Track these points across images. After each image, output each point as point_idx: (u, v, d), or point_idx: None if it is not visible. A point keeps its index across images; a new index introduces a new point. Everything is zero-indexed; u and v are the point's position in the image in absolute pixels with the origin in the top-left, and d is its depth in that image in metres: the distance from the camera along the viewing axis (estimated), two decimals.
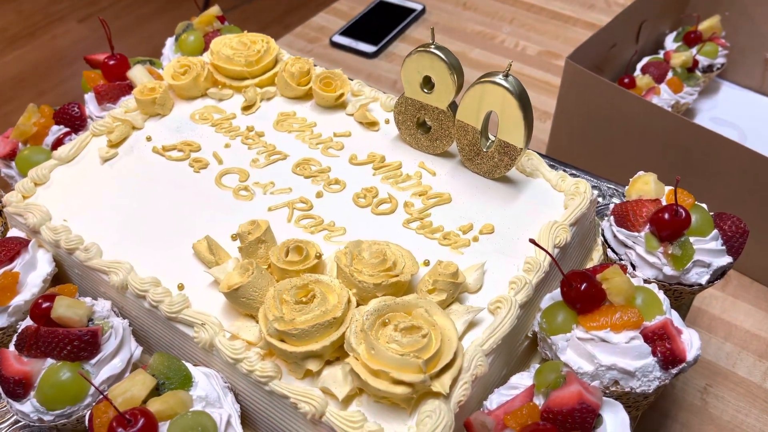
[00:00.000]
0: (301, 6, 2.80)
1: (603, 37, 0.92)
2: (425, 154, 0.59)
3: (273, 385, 0.43)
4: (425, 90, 0.55)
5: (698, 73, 0.97)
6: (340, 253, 0.47)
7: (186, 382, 0.45)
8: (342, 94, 0.62)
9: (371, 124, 0.61)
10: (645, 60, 1.01)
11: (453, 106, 0.55)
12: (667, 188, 0.54)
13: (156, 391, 0.44)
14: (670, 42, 1.04)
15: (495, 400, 0.44)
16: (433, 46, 0.53)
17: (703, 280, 0.51)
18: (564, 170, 0.70)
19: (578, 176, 0.65)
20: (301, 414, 0.42)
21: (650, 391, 0.45)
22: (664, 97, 0.95)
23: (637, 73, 1.00)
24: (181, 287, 0.49)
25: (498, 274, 0.49)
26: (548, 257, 0.49)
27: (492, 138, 0.55)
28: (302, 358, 0.43)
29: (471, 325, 0.46)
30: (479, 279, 0.48)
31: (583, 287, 0.46)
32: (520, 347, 0.50)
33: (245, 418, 0.47)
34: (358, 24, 1.19)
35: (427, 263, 0.50)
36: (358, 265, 0.46)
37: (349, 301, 0.45)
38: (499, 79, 0.50)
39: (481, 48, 1.16)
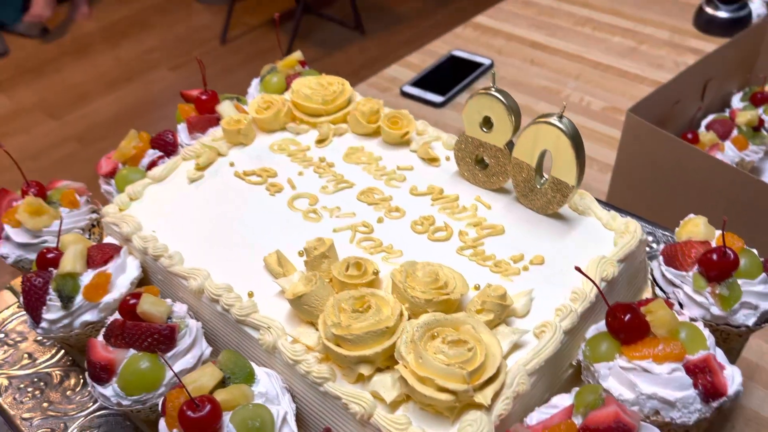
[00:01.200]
0: (377, 60, 2.93)
1: (667, 93, 0.94)
2: (482, 189, 0.63)
3: (327, 387, 0.47)
4: (484, 129, 0.60)
5: (764, 132, 0.98)
6: (396, 271, 0.51)
7: (249, 378, 0.49)
8: (407, 132, 0.67)
9: (432, 160, 0.65)
10: (710, 117, 1.02)
11: (510, 145, 0.59)
12: (717, 232, 0.55)
13: (222, 384, 0.48)
14: (736, 101, 1.05)
15: (535, 417, 0.46)
16: (493, 89, 0.58)
17: (750, 322, 0.51)
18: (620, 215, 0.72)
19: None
20: (351, 414, 0.45)
21: (690, 423, 0.46)
22: (728, 154, 0.96)
23: (702, 129, 1.01)
24: (251, 294, 0.54)
25: (545, 302, 0.52)
26: (594, 289, 0.51)
27: (546, 176, 0.58)
28: (355, 362, 0.47)
29: (516, 346, 0.49)
30: (527, 305, 0.51)
31: (627, 318, 0.48)
32: (564, 374, 0.52)
33: (299, 419, 0.50)
34: (428, 76, 1.26)
35: (477, 287, 0.53)
36: (411, 282, 0.49)
37: (401, 313, 0.48)
38: (553, 120, 0.54)
39: (546, 101, 1.20)
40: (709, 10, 1.33)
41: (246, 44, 3.16)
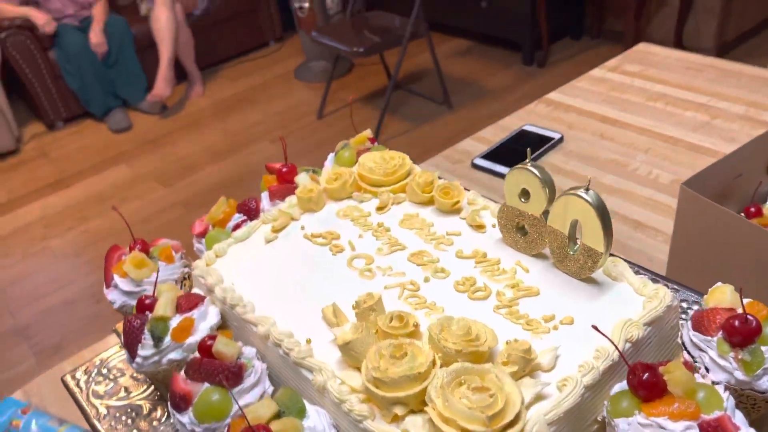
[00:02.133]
0: (462, 133, 3.04)
1: (727, 167, 0.95)
2: (523, 255, 0.68)
3: (366, 424, 0.53)
4: (522, 200, 0.66)
5: None
6: (433, 324, 0.57)
7: (301, 413, 0.56)
8: (458, 202, 0.74)
9: (479, 227, 0.72)
10: None
11: (546, 214, 0.65)
12: (745, 301, 0.58)
13: (277, 416, 0.55)
14: None
15: None
16: (529, 164, 0.64)
17: None
18: (666, 284, 0.75)
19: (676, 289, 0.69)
20: None
21: None
22: None
23: None
24: (308, 341, 0.62)
25: (571, 359, 0.56)
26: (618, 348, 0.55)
27: (578, 243, 0.63)
28: (391, 403, 0.53)
29: (540, 397, 0.53)
30: (552, 360, 0.55)
31: (645, 376, 0.51)
32: (589, 429, 0.55)
33: None
34: (499, 149, 1.33)
35: (508, 342, 0.58)
36: (445, 335, 0.56)
37: (434, 361, 0.54)
38: (581, 192, 0.59)
39: (613, 174, 1.23)
40: None
41: (340, 118, 3.37)
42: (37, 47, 3.32)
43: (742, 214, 0.94)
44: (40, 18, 3.28)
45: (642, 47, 1.66)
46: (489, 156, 1.31)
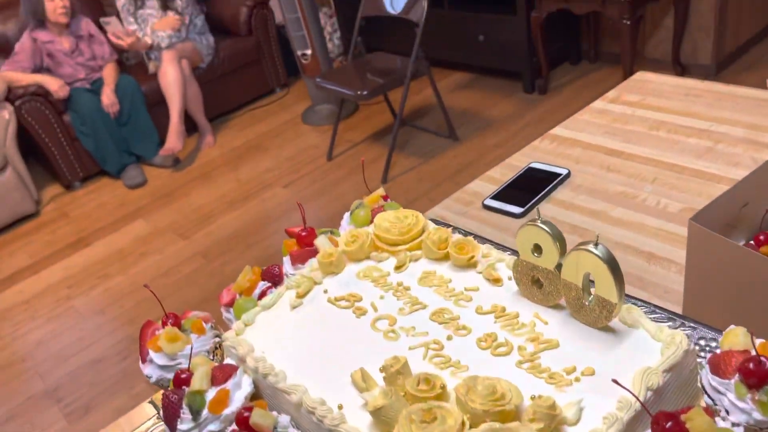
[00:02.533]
0: (471, 164, 3.08)
1: (733, 197, 0.98)
2: (540, 306, 0.71)
3: None
4: (535, 254, 0.69)
5: None
6: (460, 386, 0.59)
7: None
8: (473, 257, 0.77)
9: (496, 281, 0.75)
10: None
11: (559, 267, 0.67)
12: (759, 341, 0.60)
13: None
14: None
15: None
16: (539, 221, 0.67)
17: None
18: (683, 322, 0.77)
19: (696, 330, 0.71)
20: None
21: None
22: None
23: None
24: (340, 407, 0.64)
25: (595, 411, 0.58)
26: (639, 397, 0.57)
27: (593, 294, 0.66)
28: None
29: None
30: (577, 413, 0.58)
31: (668, 425, 0.53)
32: None
33: None
34: (508, 188, 1.36)
35: (533, 398, 0.60)
36: (472, 396, 0.58)
37: (463, 423, 0.57)
38: (590, 247, 0.62)
39: (623, 207, 1.25)
40: None
41: (349, 159, 3.43)
42: (51, 112, 3.42)
43: (752, 242, 0.96)
44: (54, 84, 3.39)
45: (639, 76, 1.70)
46: (498, 196, 1.33)
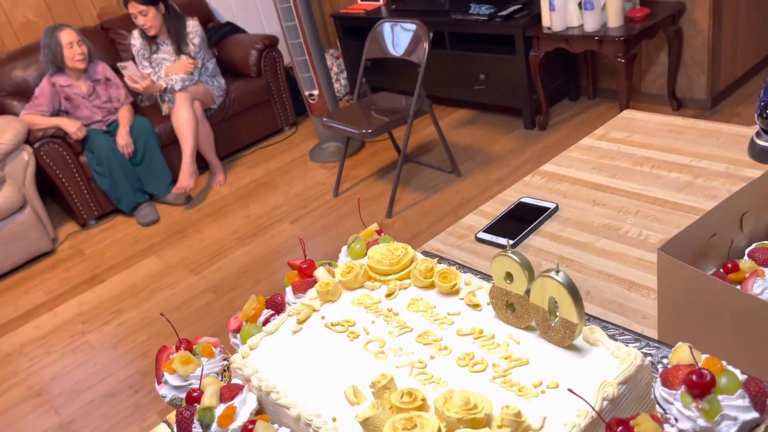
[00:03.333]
0: (472, 199, 3.17)
1: (701, 227, 1.05)
2: (514, 328, 0.78)
3: None
4: (507, 281, 0.77)
5: None
6: (438, 397, 0.67)
7: None
8: (455, 284, 0.86)
9: (475, 306, 0.83)
10: (753, 246, 1.11)
11: (528, 292, 0.76)
12: (704, 356, 0.67)
13: None
14: None
15: None
16: (509, 252, 0.76)
17: (732, 431, 0.62)
18: (648, 343, 0.84)
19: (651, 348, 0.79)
20: None
21: None
22: None
23: (745, 258, 1.10)
24: (334, 419, 0.72)
25: (557, 419, 0.65)
26: (596, 406, 0.64)
27: (557, 316, 0.74)
28: None
29: None
30: (540, 421, 0.65)
31: (619, 430, 0.61)
32: None
33: None
34: (499, 222, 1.44)
35: (503, 408, 0.68)
36: (449, 405, 0.66)
37: (439, 430, 0.64)
38: (552, 274, 0.70)
39: (606, 238, 1.33)
40: (760, 141, 1.44)
41: (355, 194, 3.52)
42: (69, 153, 3.56)
43: (721, 270, 1.03)
44: (71, 126, 3.53)
45: (626, 114, 1.79)
46: (490, 229, 1.42)
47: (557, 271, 0.71)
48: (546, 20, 3.28)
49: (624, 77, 3.14)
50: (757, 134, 1.44)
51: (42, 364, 2.76)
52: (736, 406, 0.62)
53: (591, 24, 3.16)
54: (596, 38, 3.13)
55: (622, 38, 3.05)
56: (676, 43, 3.26)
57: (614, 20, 3.14)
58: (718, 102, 3.42)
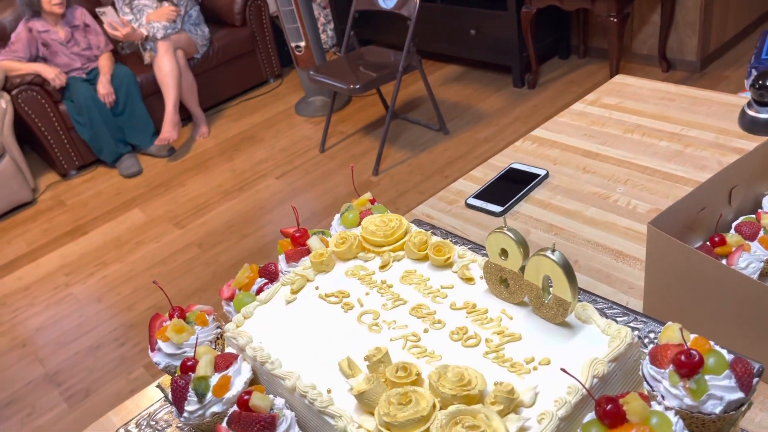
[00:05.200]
0: (460, 158, 3.16)
1: (691, 202, 1.06)
2: (507, 303, 0.79)
3: None
4: (502, 258, 0.77)
5: None
6: (432, 373, 0.68)
7: None
8: (449, 258, 0.86)
9: (469, 280, 0.84)
10: (740, 220, 1.13)
11: (522, 269, 0.76)
12: (693, 336, 0.69)
13: None
14: (766, 203, 1.15)
15: None
16: (505, 229, 0.76)
17: (718, 410, 0.64)
18: (636, 317, 0.86)
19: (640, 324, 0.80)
20: None
21: None
22: (755, 253, 1.05)
23: (732, 232, 1.11)
24: (329, 391, 0.73)
25: (549, 395, 0.67)
26: (586, 383, 0.66)
27: (551, 293, 0.75)
28: None
29: (522, 430, 0.64)
30: (532, 398, 0.67)
31: (608, 407, 0.62)
32: None
33: None
34: (489, 188, 1.44)
35: (495, 384, 0.69)
36: (443, 381, 0.67)
37: (434, 405, 0.65)
38: (548, 253, 0.71)
39: (596, 207, 1.34)
40: (750, 112, 1.44)
41: (342, 151, 3.50)
42: (48, 101, 3.47)
43: (708, 243, 1.05)
44: (50, 72, 3.44)
45: (618, 79, 1.78)
46: (481, 195, 1.42)
47: (553, 251, 0.71)
48: None
49: (615, 37, 3.11)
50: (748, 104, 1.45)
51: (26, 315, 2.76)
52: (723, 386, 0.64)
53: None
54: None
55: None
56: (669, 4, 3.23)
57: None
58: (708, 64, 3.41)
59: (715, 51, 3.42)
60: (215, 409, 0.77)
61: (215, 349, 0.87)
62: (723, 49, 3.47)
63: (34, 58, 3.51)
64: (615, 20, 3.06)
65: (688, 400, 0.65)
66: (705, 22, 3.27)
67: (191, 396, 0.77)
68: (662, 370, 0.67)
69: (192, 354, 0.82)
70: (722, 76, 3.32)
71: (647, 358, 0.70)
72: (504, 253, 0.77)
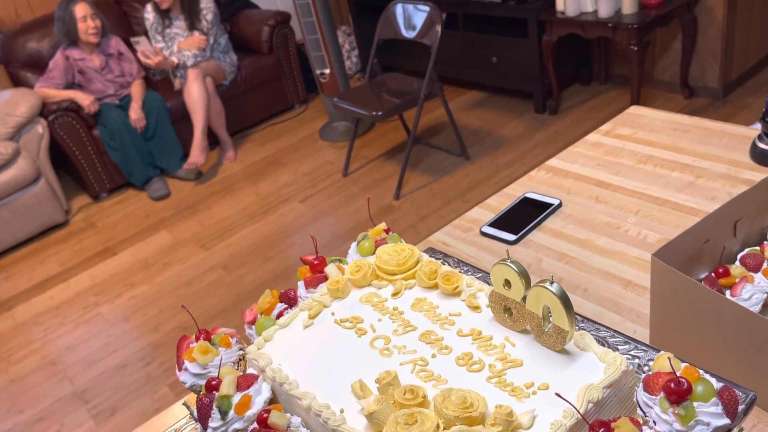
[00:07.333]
0: (481, 183, 3.21)
1: (695, 234, 1.10)
2: (511, 331, 0.84)
3: None
4: (506, 287, 0.82)
5: None
6: (437, 395, 0.73)
7: None
8: (457, 287, 0.91)
9: (476, 308, 0.89)
10: (745, 251, 1.16)
11: (524, 298, 0.81)
12: (684, 364, 0.73)
13: None
14: None
15: None
16: (509, 261, 0.81)
17: None
18: (637, 346, 0.90)
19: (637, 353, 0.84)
20: None
21: None
22: (758, 284, 1.08)
23: (736, 263, 1.14)
24: (342, 411, 0.78)
25: (545, 418, 0.71)
26: (581, 408, 0.70)
27: (551, 322, 0.79)
28: None
29: None
30: (530, 420, 0.71)
31: (600, 431, 0.67)
32: None
33: None
34: (504, 217, 1.49)
35: (496, 407, 0.74)
36: (447, 403, 0.72)
37: (438, 425, 0.70)
38: (547, 285, 0.76)
39: (607, 236, 1.38)
40: (761, 145, 1.47)
41: (364, 175, 3.57)
42: (82, 126, 3.61)
43: (713, 274, 1.08)
44: (85, 99, 3.58)
45: (633, 110, 1.82)
46: (495, 224, 1.46)
47: (551, 282, 0.76)
48: (560, 5, 3.28)
49: (636, 64, 3.15)
50: (759, 137, 1.48)
51: (56, 333, 2.85)
52: (710, 413, 0.68)
53: (605, 10, 3.15)
54: (609, 25, 3.14)
55: (635, 25, 3.05)
56: (691, 31, 3.25)
57: (629, 7, 3.13)
58: (730, 91, 3.42)
59: (738, 78, 3.44)
60: (237, 425, 0.83)
61: (238, 369, 0.93)
62: (745, 76, 3.48)
63: (71, 85, 3.66)
64: (635, 48, 3.10)
65: (677, 426, 0.68)
66: (727, 49, 3.29)
67: (215, 413, 0.83)
68: (654, 397, 0.71)
69: (216, 374, 0.87)
70: (744, 103, 3.33)
71: (641, 385, 0.74)
72: (507, 283, 0.82)
